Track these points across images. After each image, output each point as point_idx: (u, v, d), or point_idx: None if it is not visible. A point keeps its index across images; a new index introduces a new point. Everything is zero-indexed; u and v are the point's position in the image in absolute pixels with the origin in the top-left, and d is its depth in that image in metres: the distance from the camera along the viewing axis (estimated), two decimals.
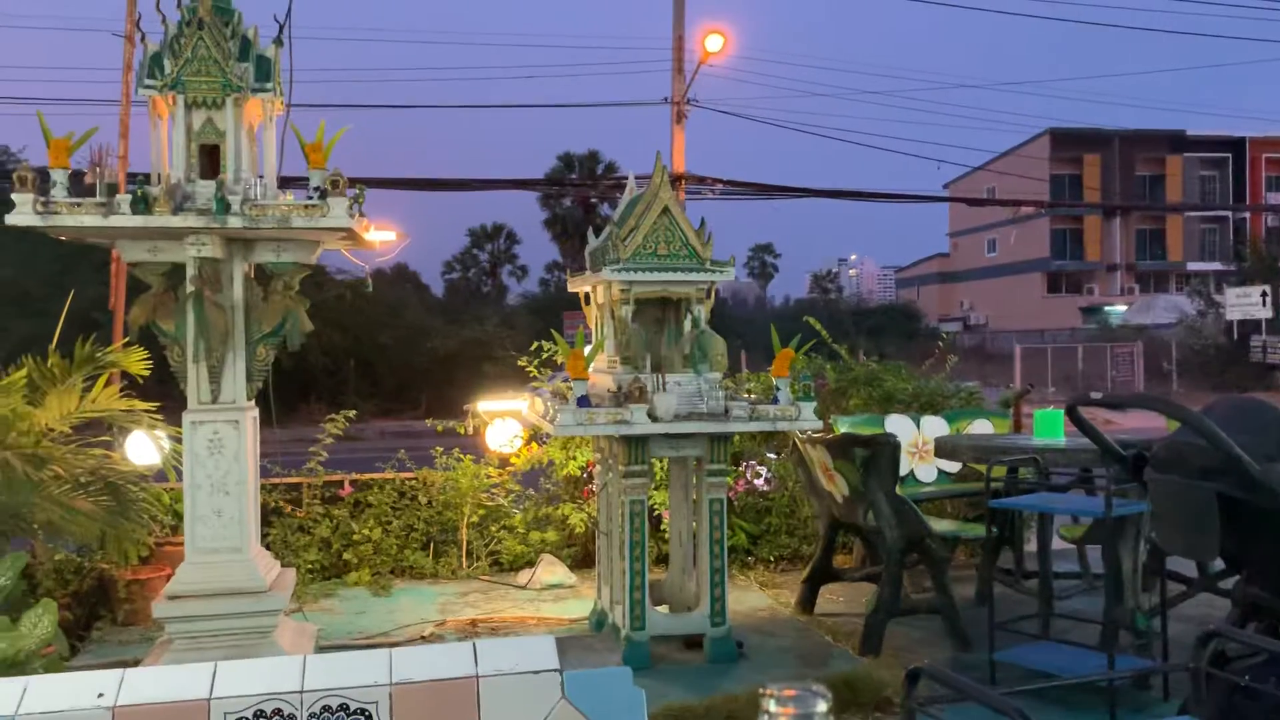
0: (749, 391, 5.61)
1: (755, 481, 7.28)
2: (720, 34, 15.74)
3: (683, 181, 15.95)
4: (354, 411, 7.57)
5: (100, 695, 1.84)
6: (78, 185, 4.34)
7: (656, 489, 6.47)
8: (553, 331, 6.33)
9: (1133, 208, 45.65)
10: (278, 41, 4.67)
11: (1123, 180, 45.28)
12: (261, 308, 4.65)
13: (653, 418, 4.86)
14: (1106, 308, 45.64)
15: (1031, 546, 6.19)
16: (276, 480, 6.80)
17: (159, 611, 4.45)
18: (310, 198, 4.36)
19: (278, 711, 1.89)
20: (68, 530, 4.99)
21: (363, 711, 1.90)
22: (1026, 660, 4.60)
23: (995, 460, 5.15)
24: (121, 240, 4.51)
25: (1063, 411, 5.59)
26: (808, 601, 5.99)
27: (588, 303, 5.85)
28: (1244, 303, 28.41)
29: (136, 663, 4.63)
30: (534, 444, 7.35)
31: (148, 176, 4.71)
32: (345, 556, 6.76)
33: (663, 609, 5.39)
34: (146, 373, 5.87)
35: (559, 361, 7.22)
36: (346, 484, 6.95)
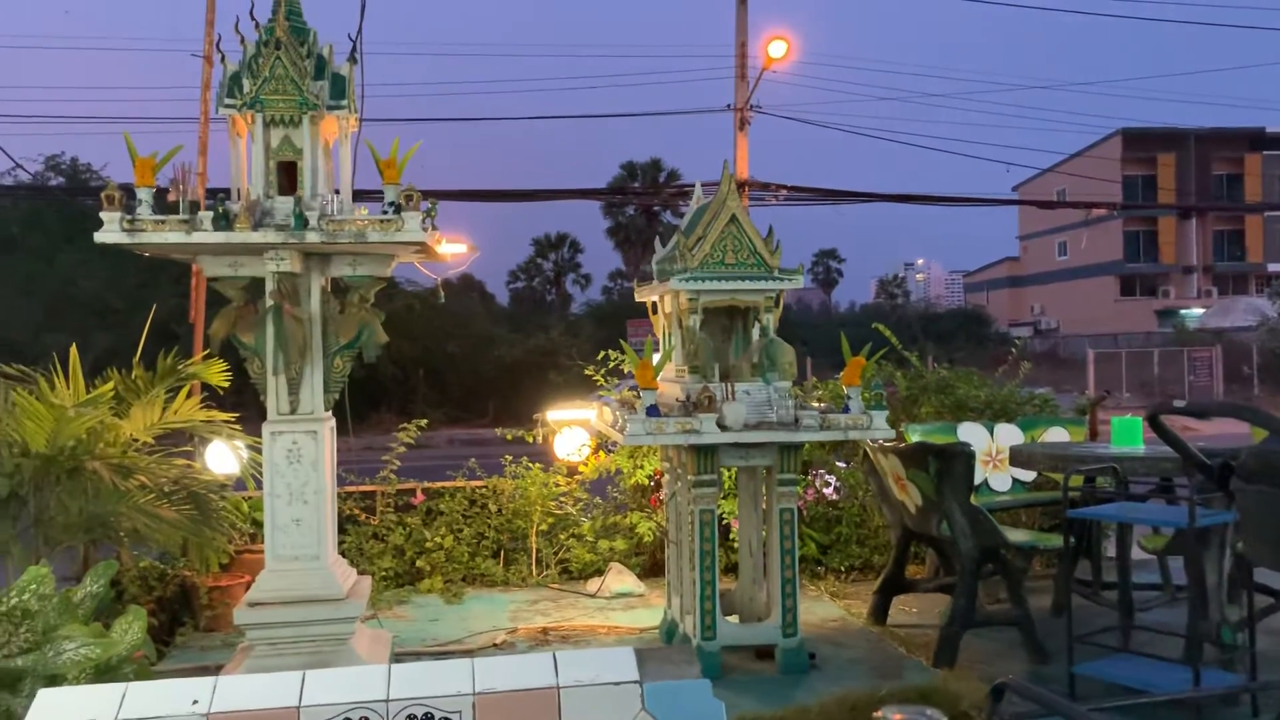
0: (819, 400, 5.56)
1: (825, 490, 7.23)
2: (784, 40, 15.66)
3: (746, 188, 15.90)
4: (425, 421, 7.68)
5: (195, 702, 1.89)
6: (161, 203, 4.46)
7: (724, 498, 6.46)
8: (621, 341, 6.35)
9: (1210, 208, 44.49)
10: (351, 59, 4.77)
11: (1199, 180, 44.14)
12: (338, 320, 4.74)
13: (722, 427, 4.85)
14: (1183, 311, 44.47)
15: (1110, 556, 6.06)
16: (351, 488, 6.93)
17: (240, 618, 4.55)
18: (385, 212, 4.44)
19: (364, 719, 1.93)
20: (152, 538, 5.13)
21: None
22: (1107, 674, 4.50)
23: (1072, 469, 5.05)
24: (203, 255, 4.64)
25: (1140, 418, 5.48)
26: (880, 612, 5.92)
27: (655, 312, 5.86)
28: None
29: (219, 668, 4.74)
30: (601, 452, 7.38)
31: (227, 192, 4.83)
32: (418, 564, 6.85)
33: (733, 619, 5.37)
34: (226, 384, 6.02)
35: (625, 370, 7.25)
36: (419, 492, 7.05)
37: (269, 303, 4.54)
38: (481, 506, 7.13)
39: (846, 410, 5.00)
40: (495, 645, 5.60)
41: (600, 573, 6.87)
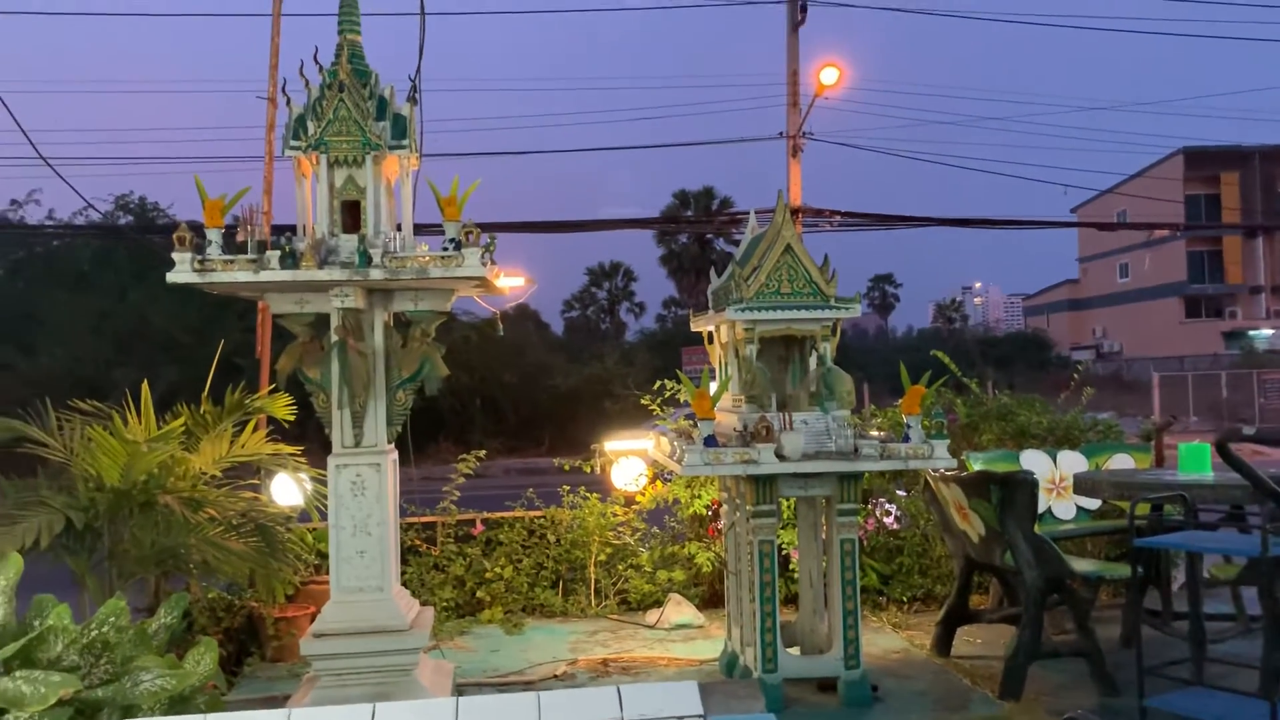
0: (878, 428, 5.54)
1: (885, 520, 7.16)
2: (835, 66, 15.69)
3: (800, 215, 15.90)
4: (484, 451, 7.76)
5: None
6: (229, 242, 4.59)
7: (783, 528, 6.43)
8: (678, 372, 6.38)
9: (1277, 227, 43.45)
10: (411, 99, 4.88)
11: (1264, 198, 43.19)
12: (400, 354, 4.83)
13: (781, 457, 4.84)
14: (1251, 332, 43.41)
15: (1179, 586, 5.92)
16: (412, 519, 7.01)
17: (306, 649, 4.62)
18: (445, 248, 4.52)
19: None
20: (220, 570, 5.23)
21: None
22: (1181, 707, 4.38)
23: (1139, 497, 4.95)
24: (270, 293, 4.75)
25: (1209, 444, 5.36)
26: (944, 643, 5.84)
27: (711, 341, 5.88)
28: None
29: (286, 698, 4.82)
30: (658, 482, 7.39)
31: (291, 229, 4.95)
32: (478, 594, 6.90)
33: (794, 651, 5.33)
34: (292, 418, 6.14)
35: (681, 399, 7.26)
36: (478, 523, 7.12)
37: (334, 338, 4.64)
38: (540, 537, 7.18)
39: (907, 439, 4.96)
40: (556, 677, 5.61)
41: (659, 603, 6.86)
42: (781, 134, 16.45)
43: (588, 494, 7.25)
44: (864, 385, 18.60)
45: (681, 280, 48.77)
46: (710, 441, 4.86)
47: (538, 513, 7.26)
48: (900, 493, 7.27)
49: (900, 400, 5.26)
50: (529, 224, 16.96)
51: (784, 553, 6.48)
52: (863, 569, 6.66)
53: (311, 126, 4.65)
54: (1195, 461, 5.41)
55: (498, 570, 6.95)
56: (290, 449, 6.09)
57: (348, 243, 4.59)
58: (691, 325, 6.12)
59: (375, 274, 4.46)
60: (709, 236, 46.54)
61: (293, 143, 4.73)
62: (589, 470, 7.70)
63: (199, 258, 4.46)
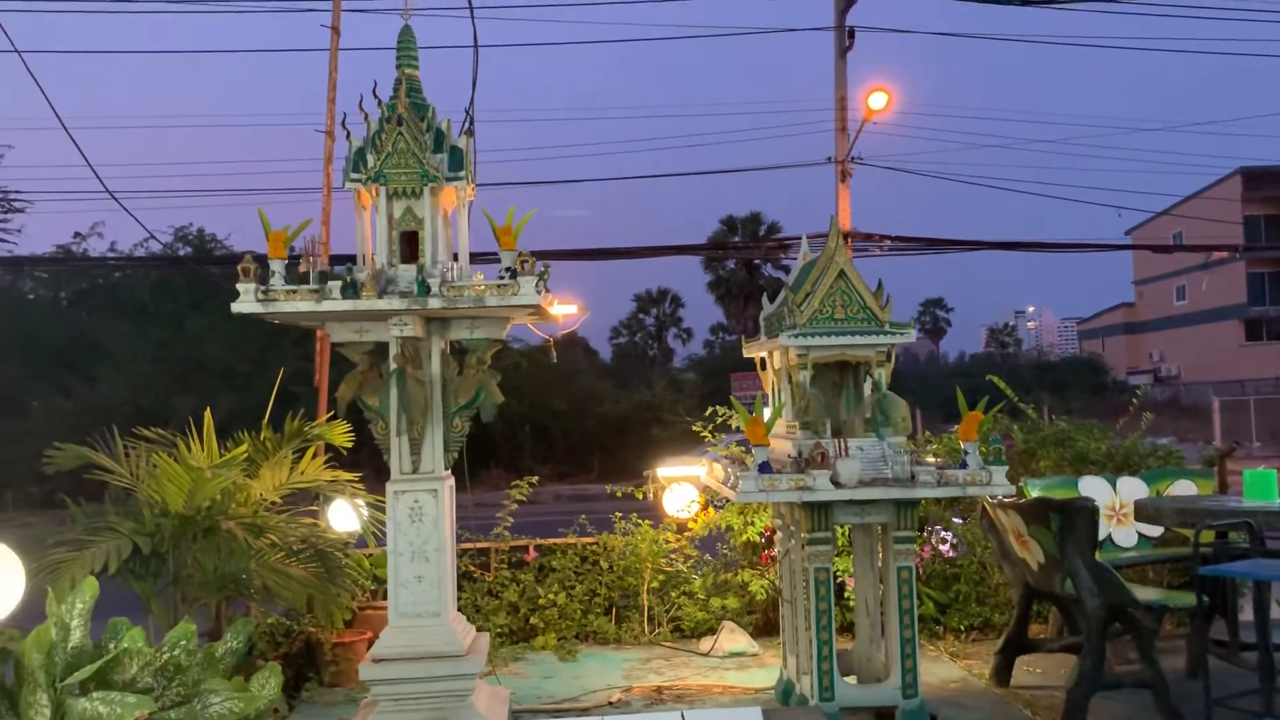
0: (934, 454, 5.49)
1: (942, 547, 7.09)
2: (884, 91, 15.66)
3: (850, 239, 15.85)
4: (536, 478, 7.81)
5: None
6: (291, 272, 4.69)
7: (838, 555, 6.39)
8: (731, 398, 6.38)
9: None
10: (467, 132, 4.97)
11: None
12: (457, 381, 4.90)
13: (836, 484, 4.82)
14: None
15: (1246, 615, 5.79)
16: (466, 545, 7.07)
17: (365, 674, 4.67)
18: (501, 277, 4.59)
19: None
20: (281, 595, 5.30)
21: None
22: None
23: (1204, 524, 4.87)
24: (331, 322, 4.85)
25: (1275, 471, 5.26)
26: (1003, 673, 5.76)
27: (764, 368, 5.88)
28: None
29: None
30: (710, 509, 7.38)
31: (349, 258, 5.05)
32: (532, 620, 6.93)
33: (851, 679, 5.29)
34: (350, 444, 6.23)
35: (732, 425, 7.26)
36: (531, 549, 7.15)
37: (393, 366, 4.72)
38: (593, 563, 7.20)
39: (964, 465, 4.92)
40: (610, 704, 5.61)
41: (713, 631, 6.84)
42: (830, 159, 16.43)
43: (639, 520, 7.26)
44: (916, 411, 18.40)
45: (729, 306, 48.76)
46: (765, 468, 4.86)
47: (590, 539, 7.28)
48: (956, 520, 7.20)
49: (956, 426, 5.22)
50: (578, 251, 17.07)
51: (839, 580, 6.44)
52: (919, 597, 6.58)
53: (371, 159, 4.75)
54: (1261, 488, 5.31)
55: (551, 596, 6.97)
56: (348, 475, 6.18)
57: (406, 272, 4.67)
58: (744, 351, 6.13)
59: (433, 303, 4.53)
60: (756, 262, 46.54)
61: (353, 175, 4.83)
62: (640, 497, 7.71)
63: (262, 288, 4.56)
